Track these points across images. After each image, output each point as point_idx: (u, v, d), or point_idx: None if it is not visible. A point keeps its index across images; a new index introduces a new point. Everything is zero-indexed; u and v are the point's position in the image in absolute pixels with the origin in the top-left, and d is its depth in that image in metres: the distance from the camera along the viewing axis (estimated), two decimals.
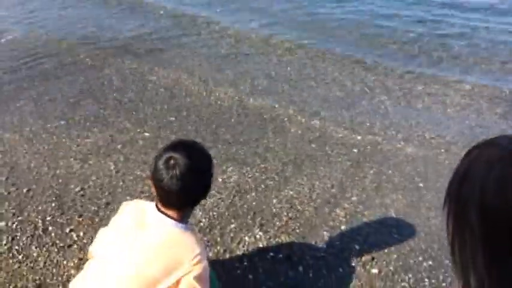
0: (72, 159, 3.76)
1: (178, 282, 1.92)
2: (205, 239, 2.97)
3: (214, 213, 3.24)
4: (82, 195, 3.37)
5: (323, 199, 3.48)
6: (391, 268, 2.89)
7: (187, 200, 2.03)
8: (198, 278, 1.94)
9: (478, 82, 5.57)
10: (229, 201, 3.36)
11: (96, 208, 3.25)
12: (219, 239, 3.02)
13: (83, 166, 3.68)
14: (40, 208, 3.23)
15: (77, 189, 3.43)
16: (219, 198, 3.38)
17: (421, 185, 3.71)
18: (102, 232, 2.29)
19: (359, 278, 2.81)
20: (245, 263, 2.85)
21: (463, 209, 0.90)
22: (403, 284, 2.79)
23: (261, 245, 3.03)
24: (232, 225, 3.13)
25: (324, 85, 5.42)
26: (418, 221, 3.30)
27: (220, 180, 3.56)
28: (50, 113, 4.48)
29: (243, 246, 2.99)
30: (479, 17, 7.73)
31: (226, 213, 3.24)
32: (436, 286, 2.79)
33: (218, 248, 2.95)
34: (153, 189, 2.03)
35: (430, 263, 2.95)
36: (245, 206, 3.36)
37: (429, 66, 6.06)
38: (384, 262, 2.94)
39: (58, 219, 3.14)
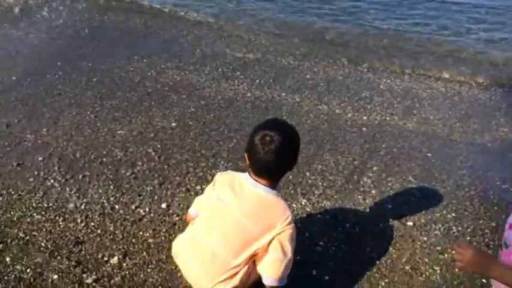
0: (113, 147, 4.00)
1: (270, 241, 2.27)
2: None
3: None
4: (135, 178, 3.64)
5: (349, 170, 3.93)
6: (423, 221, 3.38)
7: (279, 171, 2.42)
8: (289, 238, 2.30)
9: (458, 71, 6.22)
10: None
11: (151, 188, 3.54)
12: None
13: (126, 154, 3.94)
14: (101, 191, 3.49)
15: (128, 173, 3.70)
16: None
17: (428, 154, 4.23)
18: (199, 198, 2.63)
19: (398, 230, 3.28)
20: (298, 225, 3.24)
21: None
22: (436, 232, 3.27)
23: (308, 210, 3.43)
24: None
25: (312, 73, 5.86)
26: (434, 182, 3.81)
27: None
28: (86, 104, 4.66)
29: (293, 212, 3.38)
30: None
31: None
32: (462, 232, 3.29)
33: None
34: (246, 162, 2.40)
35: (454, 214, 3.45)
36: (283, 180, 3.74)
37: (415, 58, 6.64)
38: (415, 217, 3.41)
39: (121, 199, 3.41)
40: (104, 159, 3.86)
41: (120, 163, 3.82)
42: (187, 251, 2.39)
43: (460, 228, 3.33)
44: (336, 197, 3.59)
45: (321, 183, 3.74)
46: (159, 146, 4.08)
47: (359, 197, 3.61)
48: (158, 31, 6.85)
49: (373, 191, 3.68)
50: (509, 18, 8.48)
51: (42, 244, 2.96)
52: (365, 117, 4.87)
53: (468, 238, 3.25)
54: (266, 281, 2.28)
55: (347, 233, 3.23)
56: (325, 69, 6.01)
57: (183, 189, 3.57)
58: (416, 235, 3.24)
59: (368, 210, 3.47)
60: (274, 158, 2.21)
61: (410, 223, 3.35)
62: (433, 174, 3.94)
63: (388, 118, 4.89)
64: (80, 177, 3.63)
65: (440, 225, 3.34)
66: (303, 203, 3.51)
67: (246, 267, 2.26)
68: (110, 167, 3.77)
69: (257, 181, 2.35)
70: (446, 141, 4.52)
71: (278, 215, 2.30)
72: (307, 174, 3.84)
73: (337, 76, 5.83)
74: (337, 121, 4.73)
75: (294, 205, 3.47)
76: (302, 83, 5.53)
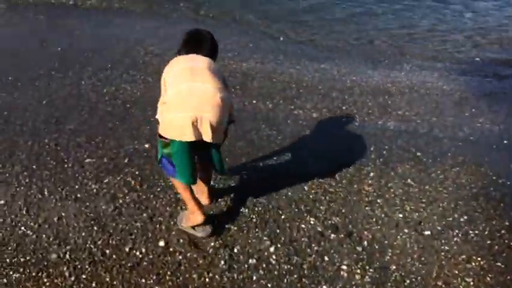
0: (85, 180, 3.51)
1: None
2: None
3: None
4: (119, 214, 3.20)
5: (347, 179, 3.73)
6: (438, 228, 3.27)
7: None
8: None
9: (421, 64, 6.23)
10: None
11: (141, 224, 3.12)
12: None
13: (101, 186, 3.47)
14: (84, 234, 3.03)
15: (110, 209, 3.25)
16: None
17: (418, 154, 4.14)
18: (167, 71, 2.78)
19: (418, 241, 3.13)
20: (315, 248, 2.98)
21: None
22: (455, 239, 3.17)
23: (319, 229, 3.18)
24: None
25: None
26: (433, 184, 3.71)
27: None
28: (41, 131, 4.07)
29: (305, 234, 3.11)
30: None
31: None
32: (480, 236, 3.19)
33: None
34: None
35: (465, 217, 3.36)
36: (284, 201, 3.46)
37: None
38: (429, 224, 3.29)
39: (110, 241, 2.98)
40: (78, 195, 3.36)
41: (97, 198, 3.35)
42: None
43: (477, 232, 3.23)
44: (343, 211, 3.36)
45: (323, 197, 3.48)
46: (137, 172, 3.64)
47: (366, 208, 3.41)
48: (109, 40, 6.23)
49: (378, 200, 3.49)
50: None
51: None
52: (343, 119, 4.68)
53: (488, 242, 3.15)
54: None
55: (368, 252, 3.01)
56: (289, 70, 5.75)
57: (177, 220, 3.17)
58: (437, 245, 3.10)
59: (380, 222, 3.28)
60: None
61: (427, 232, 3.20)
62: (430, 175, 3.83)
63: (366, 118, 4.74)
64: (56, 219, 3.12)
65: (457, 231, 3.23)
66: (312, 222, 3.24)
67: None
68: (87, 203, 3.29)
69: None
70: (430, 138, 4.45)
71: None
72: (306, 188, 3.57)
73: (305, 78, 5.58)
74: (316, 126, 4.49)
75: (304, 226, 3.19)
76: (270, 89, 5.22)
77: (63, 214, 3.17)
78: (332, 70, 5.86)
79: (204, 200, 3.19)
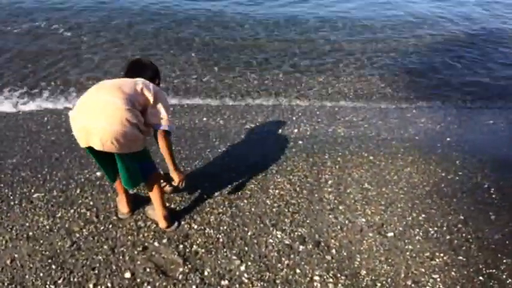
0: (35, 216, 3.29)
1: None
2: None
3: None
4: (78, 249, 3.03)
5: (307, 189, 3.74)
6: (400, 228, 3.33)
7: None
8: None
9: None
10: None
11: (103, 256, 2.97)
12: None
13: (54, 221, 3.27)
14: (42, 274, 2.82)
15: (67, 245, 3.06)
16: None
17: (371, 157, 4.25)
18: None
19: (383, 244, 3.17)
20: (286, 262, 2.96)
21: None
22: (417, 237, 3.24)
23: (287, 242, 3.16)
24: None
25: None
26: (389, 186, 3.81)
27: None
28: None
29: (273, 248, 3.09)
30: None
31: None
32: (440, 232, 3.31)
33: None
34: None
35: (423, 215, 3.47)
36: (248, 215, 3.43)
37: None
38: (391, 226, 3.35)
39: (71, 279, 2.79)
40: (30, 233, 3.15)
41: (52, 234, 3.15)
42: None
43: (436, 229, 3.35)
44: (308, 221, 3.37)
45: (286, 209, 3.48)
46: (91, 203, 3.47)
47: (330, 216, 3.44)
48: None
49: (340, 207, 3.54)
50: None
51: None
52: (295, 130, 4.73)
53: (448, 237, 3.27)
54: None
55: (337, 260, 3.03)
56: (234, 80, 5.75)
57: (140, 248, 3.05)
58: (401, 246, 3.18)
59: (345, 228, 3.32)
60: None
61: (390, 234, 3.27)
62: (385, 177, 3.94)
63: (317, 127, 4.82)
64: (8, 262, 2.90)
65: (417, 230, 3.33)
66: (279, 235, 3.22)
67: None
68: (41, 241, 3.08)
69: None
70: (379, 141, 4.58)
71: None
72: (268, 202, 3.55)
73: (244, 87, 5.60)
74: (269, 139, 4.51)
75: (271, 240, 3.16)
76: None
77: (16, 255, 2.96)
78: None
79: (121, 207, 3.29)
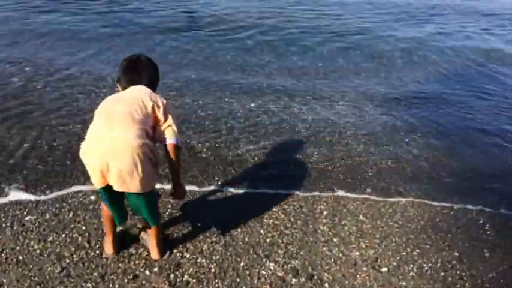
0: (25, 239, 3.26)
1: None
2: None
3: None
4: (67, 276, 2.98)
5: (302, 220, 3.73)
6: (394, 263, 3.32)
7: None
8: None
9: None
10: None
11: (93, 284, 2.92)
12: None
13: (45, 245, 3.23)
14: None
15: (57, 270, 3.02)
16: None
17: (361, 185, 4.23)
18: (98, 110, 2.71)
19: (377, 279, 3.14)
20: None
21: None
22: (411, 274, 3.21)
23: (280, 275, 3.13)
24: None
25: None
26: (384, 219, 3.80)
27: None
28: None
29: (265, 280, 3.05)
30: None
31: None
32: (434, 269, 3.28)
33: None
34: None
35: (418, 250, 3.44)
36: (241, 245, 3.40)
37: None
38: (385, 260, 3.33)
39: None
40: (20, 257, 3.11)
41: (42, 259, 3.11)
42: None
43: (430, 265, 3.33)
44: (301, 253, 3.35)
45: (280, 240, 3.45)
46: (84, 228, 3.43)
47: (324, 248, 3.42)
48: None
49: (334, 239, 3.52)
50: None
51: None
52: (293, 157, 4.72)
53: (442, 274, 3.25)
54: None
55: None
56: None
57: (131, 277, 3.01)
58: (395, 282, 3.15)
59: (338, 261, 3.29)
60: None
61: (384, 269, 3.25)
62: (380, 210, 3.92)
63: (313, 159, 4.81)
64: None
65: (412, 265, 3.31)
66: (272, 267, 3.19)
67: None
68: (30, 266, 3.04)
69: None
70: (375, 171, 4.57)
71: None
72: (262, 231, 3.53)
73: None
74: (264, 165, 4.50)
75: (264, 272, 3.13)
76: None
77: (4, 280, 2.91)
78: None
79: (107, 249, 3.17)
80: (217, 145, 4.78)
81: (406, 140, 5.27)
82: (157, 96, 2.75)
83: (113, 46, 7.44)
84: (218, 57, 7.40)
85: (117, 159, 2.51)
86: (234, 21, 9.28)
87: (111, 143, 2.51)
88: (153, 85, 2.87)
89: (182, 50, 7.59)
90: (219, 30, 8.70)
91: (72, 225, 3.44)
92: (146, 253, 3.20)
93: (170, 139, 2.71)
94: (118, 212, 2.94)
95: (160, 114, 2.68)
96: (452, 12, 11.68)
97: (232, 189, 4.06)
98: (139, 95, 2.69)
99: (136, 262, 3.13)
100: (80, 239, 3.32)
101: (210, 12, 9.74)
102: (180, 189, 2.96)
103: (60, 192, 3.83)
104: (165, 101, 2.74)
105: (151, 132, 2.68)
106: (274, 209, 3.82)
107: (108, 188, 2.64)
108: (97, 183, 2.62)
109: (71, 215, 3.55)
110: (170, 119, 2.71)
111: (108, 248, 3.17)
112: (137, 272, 3.05)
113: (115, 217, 2.97)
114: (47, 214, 3.55)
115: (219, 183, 4.14)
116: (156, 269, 3.07)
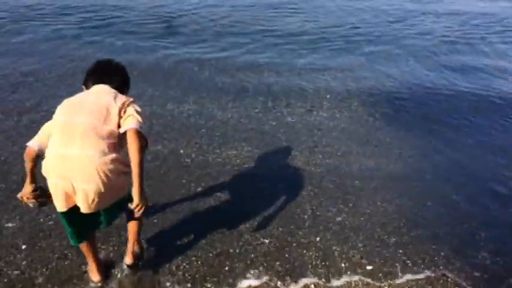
0: None
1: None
2: None
3: None
4: None
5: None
6: None
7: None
8: None
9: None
10: None
11: None
12: None
13: None
14: None
15: None
16: None
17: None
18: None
19: None
20: None
21: None
22: None
23: None
24: None
25: None
26: (378, 243, 3.61)
27: None
28: None
29: None
30: None
31: None
32: None
33: None
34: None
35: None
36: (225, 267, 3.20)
37: None
38: None
39: None
40: None
41: None
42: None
43: None
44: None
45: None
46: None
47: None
48: None
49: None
50: None
51: None
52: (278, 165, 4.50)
53: None
54: None
55: None
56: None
57: None
58: None
59: None
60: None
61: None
62: (374, 235, 3.71)
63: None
64: None
65: None
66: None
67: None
68: None
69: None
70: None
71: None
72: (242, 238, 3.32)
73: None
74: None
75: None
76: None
77: None
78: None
79: (93, 276, 2.97)
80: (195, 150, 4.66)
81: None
82: (123, 97, 2.46)
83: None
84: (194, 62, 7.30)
85: (83, 181, 2.26)
86: (209, 24, 9.41)
87: (74, 163, 2.25)
88: (122, 89, 2.60)
89: (157, 56, 7.49)
90: (196, 32, 8.81)
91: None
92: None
93: (129, 125, 2.33)
94: (77, 230, 2.63)
95: (124, 114, 2.38)
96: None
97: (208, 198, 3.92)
98: (103, 100, 2.38)
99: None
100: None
101: (187, 15, 9.90)
102: (142, 198, 2.38)
103: None
104: (130, 99, 2.46)
105: (119, 141, 2.38)
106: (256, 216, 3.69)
107: (71, 209, 2.40)
108: (60, 207, 2.37)
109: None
110: (131, 110, 2.37)
111: (95, 275, 2.95)
112: None
113: (72, 236, 2.65)
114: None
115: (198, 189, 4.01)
116: None
